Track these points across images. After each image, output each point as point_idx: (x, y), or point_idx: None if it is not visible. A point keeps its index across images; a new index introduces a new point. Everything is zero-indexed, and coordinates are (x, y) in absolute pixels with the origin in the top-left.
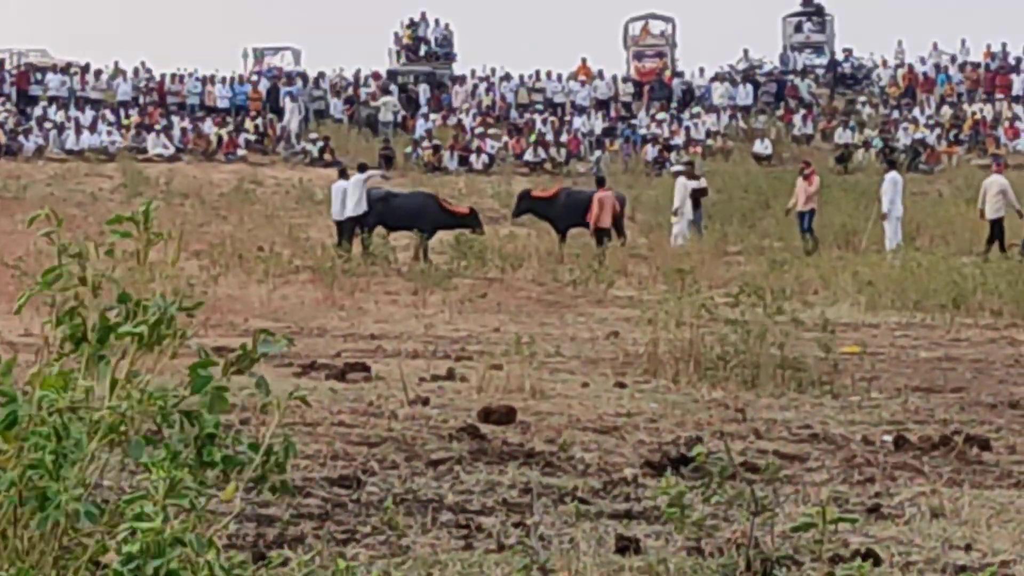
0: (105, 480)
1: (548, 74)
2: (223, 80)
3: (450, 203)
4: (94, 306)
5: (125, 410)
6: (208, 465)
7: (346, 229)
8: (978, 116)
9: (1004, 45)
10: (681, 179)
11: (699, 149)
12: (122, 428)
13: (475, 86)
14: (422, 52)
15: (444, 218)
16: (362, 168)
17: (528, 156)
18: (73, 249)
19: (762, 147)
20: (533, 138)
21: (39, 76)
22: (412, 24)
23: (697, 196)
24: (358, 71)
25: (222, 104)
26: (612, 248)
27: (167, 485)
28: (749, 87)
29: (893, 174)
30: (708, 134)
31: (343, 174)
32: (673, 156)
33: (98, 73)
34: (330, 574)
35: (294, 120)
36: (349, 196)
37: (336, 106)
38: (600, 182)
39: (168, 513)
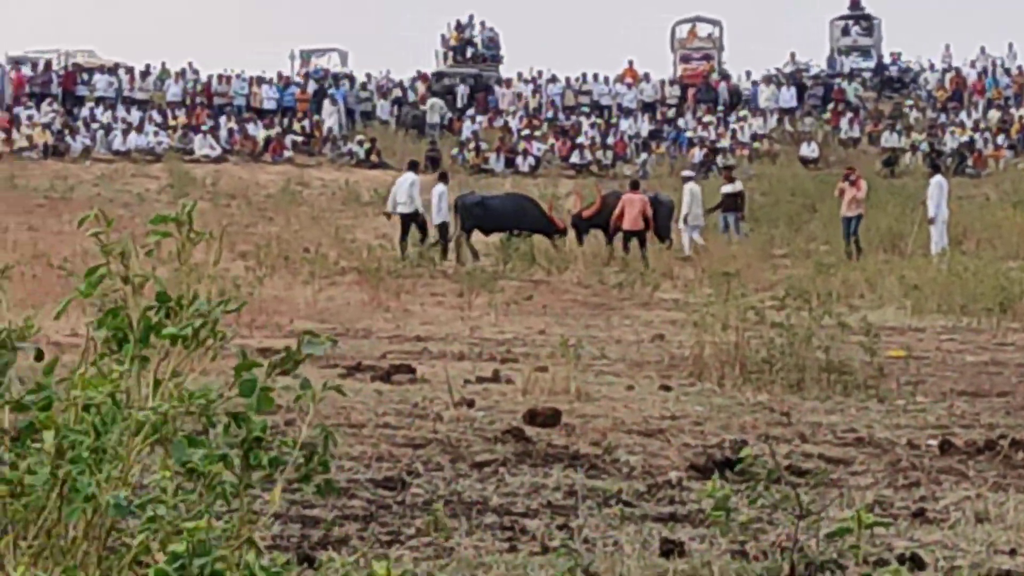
0: (147, 480)
1: (595, 76)
2: (270, 81)
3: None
4: (137, 306)
5: (167, 410)
6: (255, 468)
7: (406, 226)
8: None
9: None
10: (689, 185)
11: (745, 152)
12: (165, 428)
13: (521, 88)
14: (469, 54)
15: (542, 222)
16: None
17: (574, 159)
18: (117, 249)
19: (808, 150)
20: (579, 140)
21: (86, 77)
22: (459, 26)
23: (734, 200)
24: (410, 78)
25: (269, 105)
26: (658, 251)
27: (174, 484)
28: (795, 90)
29: (939, 178)
30: (754, 137)
31: (444, 179)
32: (719, 159)
33: (145, 74)
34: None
35: (333, 122)
36: (400, 193)
37: (383, 107)
38: (633, 185)
39: (180, 511)
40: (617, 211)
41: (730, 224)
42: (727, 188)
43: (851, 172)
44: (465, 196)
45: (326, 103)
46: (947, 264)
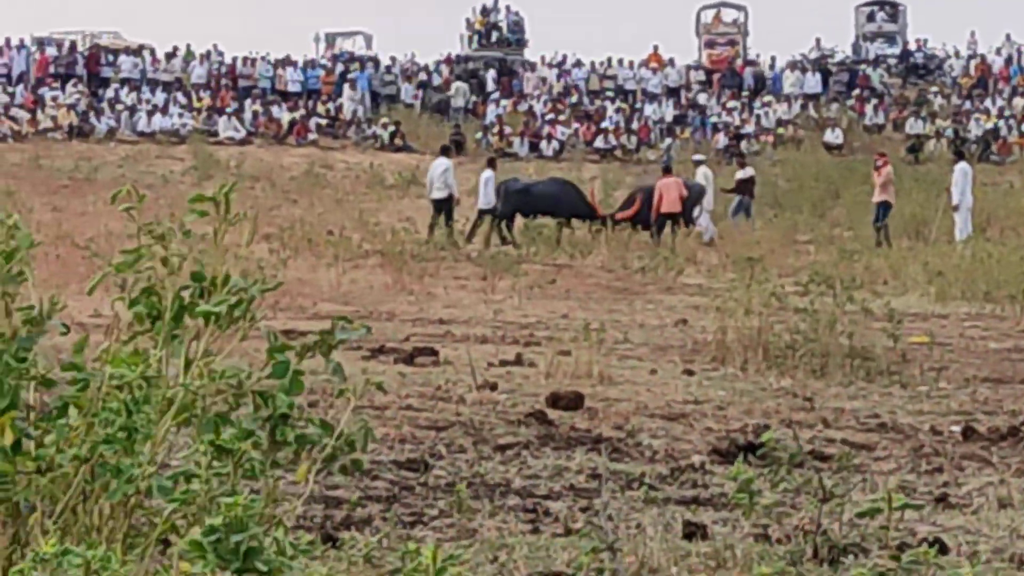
0: (174, 460)
1: (619, 61)
2: (294, 64)
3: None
4: (169, 285)
5: (198, 388)
6: (280, 445)
7: (437, 210)
8: None
9: None
10: (702, 169)
11: (770, 138)
12: (195, 406)
13: (546, 72)
14: (494, 38)
15: (582, 207)
16: (445, 151)
17: (598, 143)
18: (156, 230)
19: (833, 136)
20: (604, 125)
21: (111, 58)
22: (484, 10)
23: (749, 185)
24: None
25: (293, 88)
26: (681, 236)
27: (208, 460)
28: (820, 76)
29: (963, 164)
30: (779, 123)
31: (492, 164)
32: (744, 144)
33: (170, 56)
34: (402, 554)
35: (352, 106)
36: (434, 178)
37: (407, 91)
38: (666, 170)
39: (212, 488)
40: (656, 199)
41: (744, 207)
42: (741, 174)
43: (879, 158)
44: (509, 181)
45: (345, 87)
46: (971, 251)
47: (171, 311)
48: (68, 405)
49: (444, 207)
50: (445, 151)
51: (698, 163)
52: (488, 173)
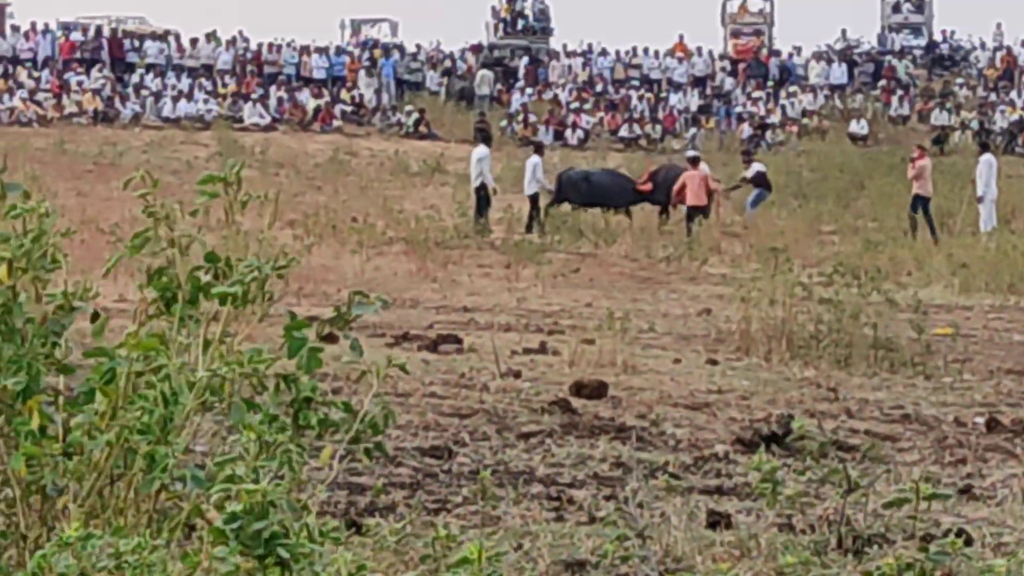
0: (197, 445)
1: (645, 50)
2: (320, 50)
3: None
4: (181, 267)
5: (225, 372)
6: (304, 428)
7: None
8: None
9: None
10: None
11: (795, 128)
12: (222, 391)
13: (571, 61)
14: (519, 26)
15: (634, 195)
16: (486, 140)
17: (623, 132)
18: (161, 212)
19: (858, 127)
20: (629, 114)
21: (137, 43)
22: None
23: (764, 177)
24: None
25: (318, 75)
26: (705, 226)
27: (258, 447)
28: (845, 67)
29: (988, 156)
30: (804, 113)
31: (539, 150)
32: (768, 135)
33: (195, 41)
34: (431, 540)
35: (369, 94)
36: (472, 168)
37: (432, 78)
38: (693, 161)
39: (260, 475)
40: (677, 186)
41: (761, 199)
42: (754, 168)
43: (916, 150)
44: (570, 170)
45: (361, 74)
46: (995, 243)
47: (186, 293)
48: (94, 390)
49: (480, 194)
50: (487, 141)
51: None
52: (535, 159)
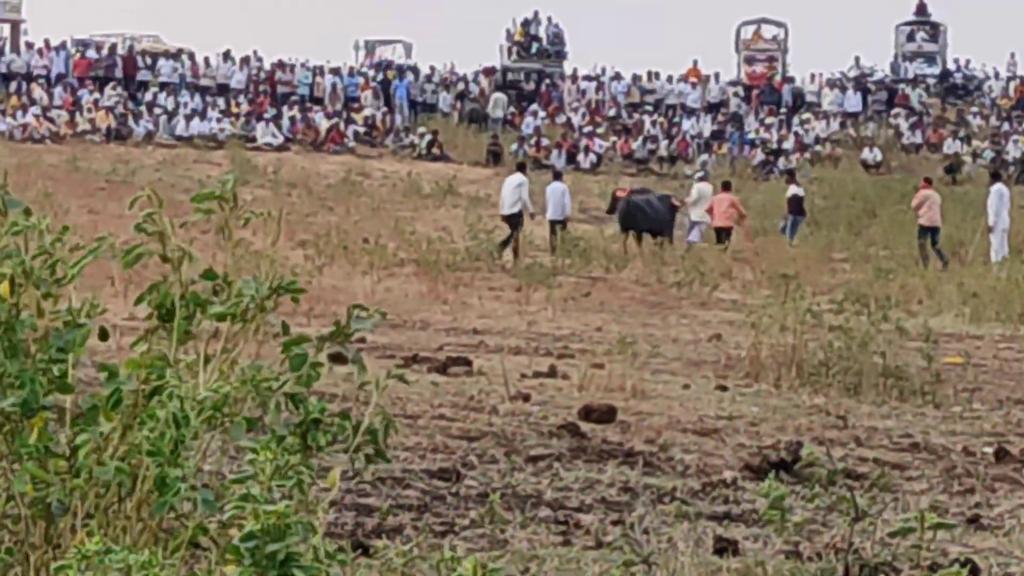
0: (205, 464)
1: (658, 75)
2: (333, 71)
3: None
4: (176, 283)
5: (229, 391)
6: (312, 449)
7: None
8: None
9: None
10: (699, 184)
11: (807, 155)
12: (224, 410)
13: (585, 85)
14: (534, 50)
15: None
16: (520, 167)
17: (636, 156)
18: (152, 228)
19: (871, 155)
20: (641, 139)
21: (150, 61)
22: (525, 22)
23: (799, 202)
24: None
25: (331, 95)
26: (714, 251)
27: (273, 467)
28: (859, 94)
29: (999, 186)
30: (817, 140)
31: (558, 176)
32: (781, 161)
33: (208, 60)
34: (437, 562)
35: (378, 115)
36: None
37: (445, 100)
38: (725, 185)
39: (274, 495)
40: (706, 206)
41: (790, 226)
42: (791, 191)
43: (922, 182)
44: (634, 196)
45: (368, 94)
46: (1006, 272)
47: (183, 311)
48: (98, 407)
49: (514, 222)
50: (521, 167)
51: (702, 178)
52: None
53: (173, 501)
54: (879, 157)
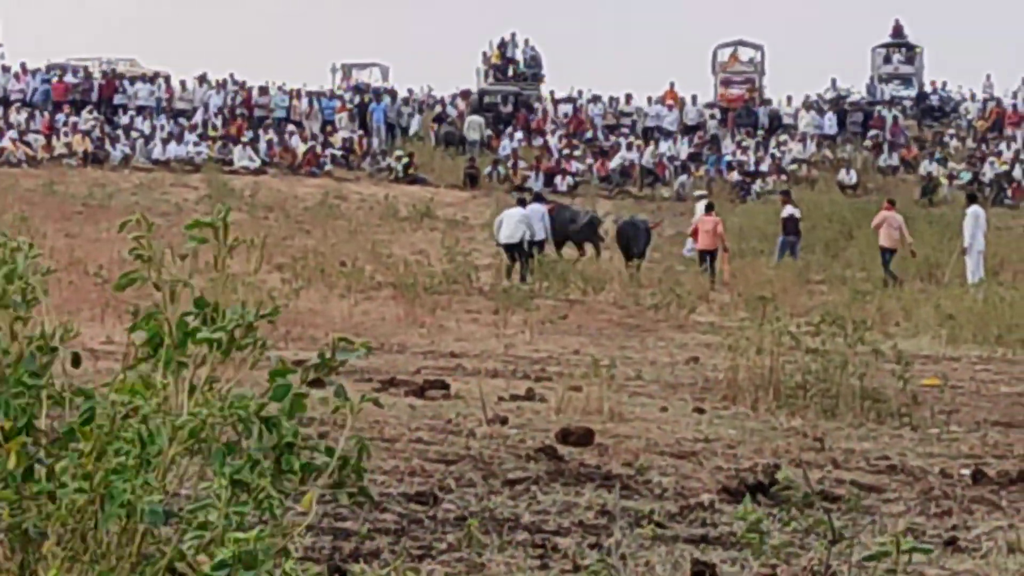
0: (183, 489)
1: (635, 97)
2: (310, 94)
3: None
4: (169, 311)
5: (205, 416)
6: (287, 473)
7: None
8: None
9: None
10: (701, 203)
11: (784, 177)
12: (202, 435)
13: (562, 107)
14: (510, 72)
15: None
16: (521, 203)
17: (613, 179)
18: (146, 254)
19: (847, 177)
20: (618, 162)
21: (127, 85)
22: (502, 44)
23: (795, 224)
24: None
25: (308, 118)
26: (692, 274)
27: (230, 492)
28: (835, 116)
29: (975, 208)
30: (793, 162)
31: (539, 198)
32: (758, 184)
33: (185, 83)
34: None
35: (348, 135)
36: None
37: (422, 123)
38: (708, 208)
39: (232, 520)
40: (691, 229)
41: (788, 248)
42: (786, 211)
43: (885, 203)
44: (636, 218)
45: (344, 117)
46: (983, 294)
47: (173, 338)
48: (74, 431)
49: (517, 251)
50: (521, 203)
51: (700, 197)
52: (537, 207)
53: (118, 512)
54: (855, 179)
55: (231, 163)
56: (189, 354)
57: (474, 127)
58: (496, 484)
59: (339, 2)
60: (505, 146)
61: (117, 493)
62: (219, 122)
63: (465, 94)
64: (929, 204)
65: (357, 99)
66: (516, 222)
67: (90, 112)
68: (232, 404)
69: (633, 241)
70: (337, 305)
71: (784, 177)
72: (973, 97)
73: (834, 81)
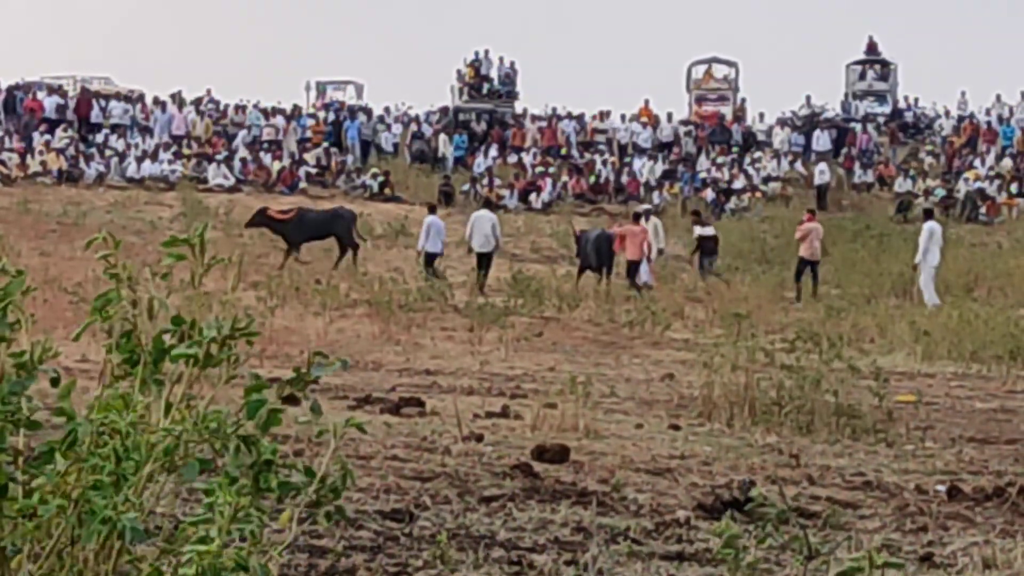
0: (158, 507)
1: (610, 115)
2: (285, 113)
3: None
4: (146, 329)
5: (180, 433)
6: (264, 491)
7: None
8: None
9: None
10: (652, 219)
11: (759, 194)
12: (177, 452)
13: (536, 125)
14: (485, 90)
15: None
16: (488, 204)
17: (587, 196)
18: (123, 273)
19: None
20: (593, 179)
21: (102, 103)
22: (476, 61)
23: (712, 243)
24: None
25: (282, 136)
26: (670, 291)
27: (232, 510)
28: (813, 133)
29: (930, 223)
30: (768, 179)
31: (488, 204)
32: (733, 201)
33: (158, 101)
34: None
35: (325, 156)
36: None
37: (389, 140)
38: (635, 217)
39: (227, 538)
40: (617, 241)
41: (705, 266)
42: (700, 231)
43: (806, 213)
44: (594, 230)
45: (318, 135)
46: (958, 311)
47: (150, 355)
48: (54, 450)
49: (485, 260)
50: (488, 204)
51: (646, 213)
52: (429, 218)
53: (99, 528)
54: (828, 177)
55: (206, 181)
56: (165, 372)
57: (449, 145)
58: (472, 501)
59: (314, 20)
60: (480, 164)
61: (98, 509)
62: (194, 140)
63: (440, 112)
64: (904, 220)
65: (332, 117)
66: (489, 228)
67: (65, 130)
68: (207, 420)
69: (604, 254)
70: (312, 323)
71: (759, 194)
72: (947, 114)
73: (808, 98)
